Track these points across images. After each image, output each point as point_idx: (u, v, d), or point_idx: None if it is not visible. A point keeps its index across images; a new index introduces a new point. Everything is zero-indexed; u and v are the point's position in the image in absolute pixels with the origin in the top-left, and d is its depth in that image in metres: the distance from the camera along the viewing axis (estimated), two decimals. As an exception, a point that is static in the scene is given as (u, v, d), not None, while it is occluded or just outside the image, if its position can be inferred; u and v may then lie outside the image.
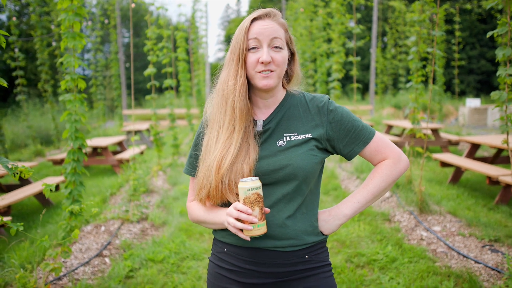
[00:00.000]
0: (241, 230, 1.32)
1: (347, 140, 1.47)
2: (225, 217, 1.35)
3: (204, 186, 1.44)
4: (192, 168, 1.56)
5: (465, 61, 17.66)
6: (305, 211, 1.45)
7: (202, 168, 1.46)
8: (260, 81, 1.40)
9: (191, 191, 1.59)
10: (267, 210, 1.35)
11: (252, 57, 1.39)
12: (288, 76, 1.53)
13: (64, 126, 11.72)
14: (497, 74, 2.97)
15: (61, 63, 3.21)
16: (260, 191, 1.29)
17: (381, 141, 1.49)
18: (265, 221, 1.31)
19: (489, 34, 3.01)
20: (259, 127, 1.45)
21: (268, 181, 1.40)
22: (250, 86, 1.47)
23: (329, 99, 1.50)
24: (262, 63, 1.37)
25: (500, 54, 2.91)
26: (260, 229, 1.30)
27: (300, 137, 1.43)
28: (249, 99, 1.46)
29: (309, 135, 1.44)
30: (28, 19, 18.88)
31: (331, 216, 1.47)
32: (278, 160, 1.39)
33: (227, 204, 1.45)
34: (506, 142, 3.11)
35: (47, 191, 2.53)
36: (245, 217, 1.28)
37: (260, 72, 1.39)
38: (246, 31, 1.40)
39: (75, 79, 3.13)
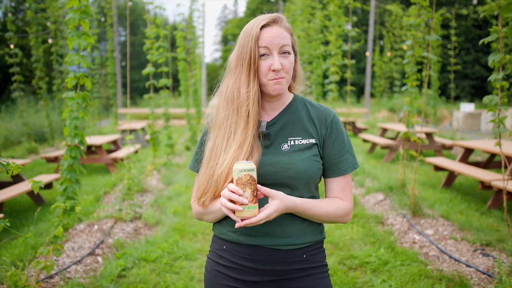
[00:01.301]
0: (234, 212, 1.32)
1: (327, 161, 1.50)
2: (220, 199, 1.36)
3: (209, 189, 1.44)
4: (198, 164, 1.57)
5: (460, 66, 17.75)
6: None
7: (207, 172, 1.45)
8: (272, 88, 1.42)
9: (196, 188, 1.57)
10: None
11: (263, 65, 1.41)
12: (292, 77, 1.56)
13: (58, 124, 11.68)
14: (489, 79, 3.04)
15: (57, 61, 3.21)
16: (253, 174, 1.30)
17: (350, 184, 1.54)
18: (257, 204, 1.31)
19: (481, 42, 3.07)
20: (263, 127, 1.47)
21: (270, 182, 1.42)
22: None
23: (335, 115, 1.53)
24: (274, 70, 1.40)
25: (491, 60, 2.99)
26: (251, 211, 1.30)
27: (304, 141, 1.46)
28: None
29: (313, 140, 1.47)
30: (24, 16, 18.80)
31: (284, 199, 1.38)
32: (281, 163, 1.41)
33: None
34: (499, 144, 3.14)
35: (36, 187, 2.52)
36: (236, 197, 1.28)
37: (272, 80, 1.41)
38: (256, 39, 1.41)
39: (78, 77, 3.14)
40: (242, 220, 1.31)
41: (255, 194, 1.30)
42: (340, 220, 1.50)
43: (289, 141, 1.46)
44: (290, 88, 1.58)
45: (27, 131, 10.32)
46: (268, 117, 1.51)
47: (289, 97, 1.55)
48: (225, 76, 1.51)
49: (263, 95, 1.49)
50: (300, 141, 1.46)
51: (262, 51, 1.41)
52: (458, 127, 13.49)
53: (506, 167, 3.30)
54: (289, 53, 1.43)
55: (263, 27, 1.43)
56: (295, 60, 1.54)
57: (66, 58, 3.17)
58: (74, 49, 3.19)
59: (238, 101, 1.44)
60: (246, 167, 1.29)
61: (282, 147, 1.45)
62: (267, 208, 1.31)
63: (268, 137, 1.47)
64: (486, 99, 3.04)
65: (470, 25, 24.00)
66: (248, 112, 1.43)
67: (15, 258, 3.42)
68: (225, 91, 1.48)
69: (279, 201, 1.34)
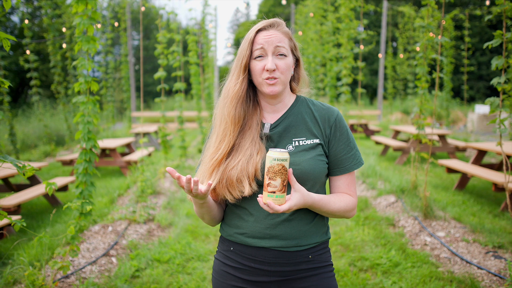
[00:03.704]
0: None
1: (333, 159, 1.54)
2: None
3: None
4: None
5: (474, 67, 17.57)
6: (310, 212, 1.50)
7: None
8: (266, 88, 1.47)
9: None
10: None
11: (258, 65, 1.47)
12: (295, 80, 1.61)
13: (76, 127, 11.86)
14: (491, 82, 3.14)
15: (73, 66, 3.28)
16: (286, 164, 1.31)
17: (354, 179, 1.58)
18: (285, 194, 1.33)
19: (485, 46, 3.14)
20: (266, 129, 1.51)
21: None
22: (258, 91, 1.55)
23: (338, 113, 1.57)
24: (267, 70, 1.45)
25: (494, 63, 3.06)
26: (279, 200, 1.32)
27: (308, 142, 1.50)
28: (257, 103, 1.56)
29: (317, 140, 1.50)
30: (40, 21, 19.13)
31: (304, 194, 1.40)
32: None
33: (225, 201, 1.54)
34: (500, 144, 3.23)
35: (50, 189, 2.60)
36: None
37: (266, 79, 1.46)
38: (251, 42, 1.48)
39: (89, 81, 3.21)
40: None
41: (285, 183, 1.32)
42: (348, 215, 1.55)
43: (293, 142, 1.50)
44: (293, 91, 1.62)
45: (48, 134, 10.47)
46: (271, 119, 1.55)
47: (291, 99, 1.59)
48: (226, 79, 1.59)
49: (263, 96, 1.55)
50: (305, 142, 1.50)
51: (258, 52, 1.47)
52: (473, 128, 13.34)
53: (508, 166, 3.37)
54: (285, 55, 1.48)
55: (259, 31, 1.49)
56: (298, 65, 1.59)
57: (76, 62, 3.23)
58: (79, 52, 3.25)
59: (227, 98, 1.51)
60: (280, 156, 1.30)
61: (287, 148, 1.49)
62: (289, 201, 1.34)
63: (271, 139, 1.51)
64: (488, 101, 3.10)
65: (485, 26, 23.72)
66: (228, 110, 1.50)
67: (32, 258, 3.50)
68: (223, 92, 1.56)
69: (301, 195, 1.37)
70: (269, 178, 1.31)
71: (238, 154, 1.47)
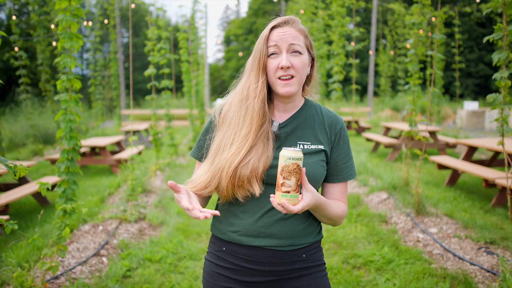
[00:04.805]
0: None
1: (332, 166, 1.53)
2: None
3: (212, 183, 1.43)
4: (200, 151, 1.57)
5: (463, 64, 17.75)
6: (306, 212, 1.48)
7: (212, 167, 1.45)
8: (281, 88, 1.43)
9: (196, 179, 1.51)
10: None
11: (272, 63, 1.43)
12: (306, 82, 1.57)
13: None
14: (493, 77, 3.03)
15: (58, 63, 3.21)
16: (300, 163, 1.27)
17: (347, 189, 1.58)
18: (298, 194, 1.29)
19: (485, 39, 3.06)
20: (275, 127, 1.48)
21: (276, 183, 1.42)
22: (272, 89, 1.51)
23: (343, 122, 1.56)
24: (282, 68, 1.41)
25: (496, 58, 2.97)
26: (293, 200, 1.28)
27: (313, 146, 1.48)
28: (270, 101, 1.52)
29: (321, 146, 1.49)
30: (27, 18, 18.88)
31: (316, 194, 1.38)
32: None
33: (236, 199, 1.46)
34: (502, 143, 3.15)
35: (43, 190, 2.54)
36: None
37: (280, 79, 1.42)
38: (266, 39, 1.44)
39: (71, 79, 3.14)
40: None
41: (299, 183, 1.28)
42: (339, 222, 1.54)
43: (298, 145, 1.47)
44: (303, 92, 1.58)
45: (34, 133, 10.34)
46: (280, 118, 1.52)
47: (301, 101, 1.56)
48: (242, 75, 1.54)
49: (276, 95, 1.51)
50: (309, 146, 1.48)
51: (272, 50, 1.43)
52: (462, 125, 13.45)
53: (510, 166, 3.30)
54: (300, 53, 1.43)
55: (274, 28, 1.45)
56: (312, 65, 1.55)
57: (59, 59, 3.16)
58: (63, 49, 3.18)
59: (247, 99, 1.46)
60: (294, 155, 1.26)
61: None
62: (302, 201, 1.30)
63: (278, 138, 1.48)
64: (490, 97, 3.03)
65: (473, 23, 23.93)
66: (252, 108, 1.44)
67: (21, 259, 3.44)
68: (238, 89, 1.51)
69: (312, 195, 1.33)
70: (284, 178, 1.26)
71: (250, 153, 1.42)
